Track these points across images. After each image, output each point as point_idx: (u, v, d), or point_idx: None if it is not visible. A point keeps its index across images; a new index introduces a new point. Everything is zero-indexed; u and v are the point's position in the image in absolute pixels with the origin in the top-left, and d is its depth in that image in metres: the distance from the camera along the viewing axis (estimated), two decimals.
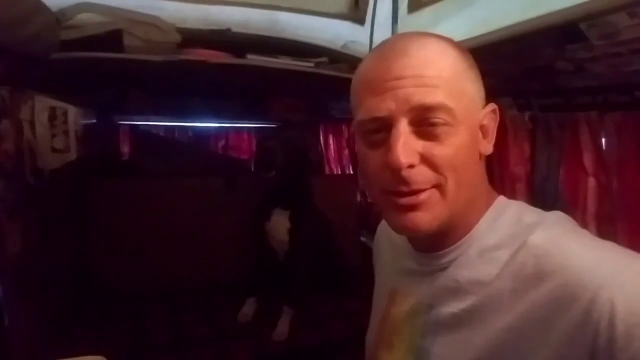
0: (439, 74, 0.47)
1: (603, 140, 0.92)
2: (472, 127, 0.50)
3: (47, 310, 1.47)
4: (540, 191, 1.06)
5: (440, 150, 0.47)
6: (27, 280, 1.26)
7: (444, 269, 0.53)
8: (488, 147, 0.53)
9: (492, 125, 0.53)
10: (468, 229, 0.52)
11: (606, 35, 0.69)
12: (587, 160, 0.93)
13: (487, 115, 0.52)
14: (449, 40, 0.52)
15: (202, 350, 1.58)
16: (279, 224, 1.83)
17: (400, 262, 0.62)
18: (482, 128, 0.52)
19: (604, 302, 0.38)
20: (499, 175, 1.20)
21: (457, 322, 0.50)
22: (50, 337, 1.45)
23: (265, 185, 1.81)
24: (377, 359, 0.62)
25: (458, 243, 0.52)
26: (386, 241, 0.69)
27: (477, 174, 0.52)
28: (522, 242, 0.47)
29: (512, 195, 1.17)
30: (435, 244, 0.54)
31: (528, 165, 1.10)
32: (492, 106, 0.53)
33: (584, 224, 0.96)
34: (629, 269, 0.40)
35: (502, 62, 0.95)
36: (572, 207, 0.98)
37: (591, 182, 0.93)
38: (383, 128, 0.48)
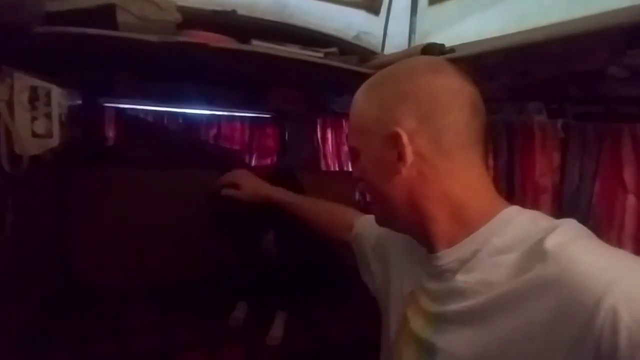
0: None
1: None
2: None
3: (24, 310, 1.36)
4: (570, 205, 0.99)
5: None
6: (1, 278, 1.15)
7: (453, 269, 0.54)
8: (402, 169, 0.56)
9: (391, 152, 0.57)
10: (458, 233, 0.54)
11: None
12: (628, 175, 0.86)
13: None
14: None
15: (191, 356, 1.49)
16: (265, 232, 1.73)
17: (415, 261, 0.64)
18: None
19: (607, 308, 0.38)
20: (520, 184, 1.13)
21: (464, 320, 0.51)
22: (28, 340, 1.34)
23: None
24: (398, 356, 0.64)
25: (457, 245, 0.54)
26: (403, 240, 0.69)
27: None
28: (533, 246, 0.47)
29: (534, 206, 1.10)
30: (428, 245, 0.58)
31: (556, 176, 1.02)
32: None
33: (619, 244, 0.90)
34: (633, 274, 0.40)
35: (541, 63, 0.87)
36: (607, 224, 0.91)
37: (631, 199, 0.86)
38: None
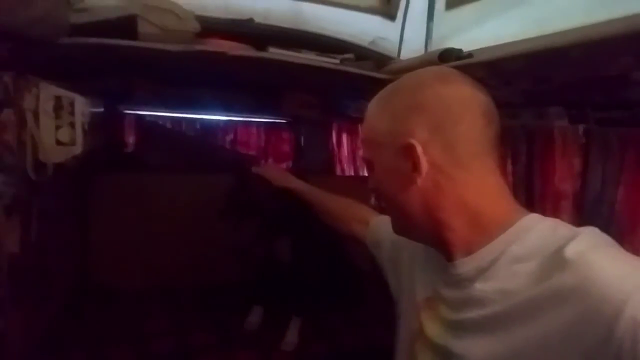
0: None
1: None
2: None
3: (45, 313, 1.39)
4: (591, 212, 0.96)
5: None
6: (24, 281, 1.18)
7: (471, 277, 0.54)
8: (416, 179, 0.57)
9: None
10: (476, 241, 0.54)
11: None
12: None
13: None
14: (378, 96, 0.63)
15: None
16: (280, 236, 1.73)
17: (432, 267, 0.65)
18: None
19: (627, 318, 0.37)
20: (540, 190, 1.11)
21: (481, 328, 0.52)
22: (48, 341, 1.37)
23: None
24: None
25: (475, 254, 0.54)
26: (417, 245, 0.70)
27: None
28: (552, 254, 0.46)
29: (555, 212, 1.08)
30: (446, 253, 0.58)
31: (577, 183, 1.00)
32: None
33: None
34: None
35: (562, 69, 0.85)
36: (629, 232, 0.88)
37: None
38: None
